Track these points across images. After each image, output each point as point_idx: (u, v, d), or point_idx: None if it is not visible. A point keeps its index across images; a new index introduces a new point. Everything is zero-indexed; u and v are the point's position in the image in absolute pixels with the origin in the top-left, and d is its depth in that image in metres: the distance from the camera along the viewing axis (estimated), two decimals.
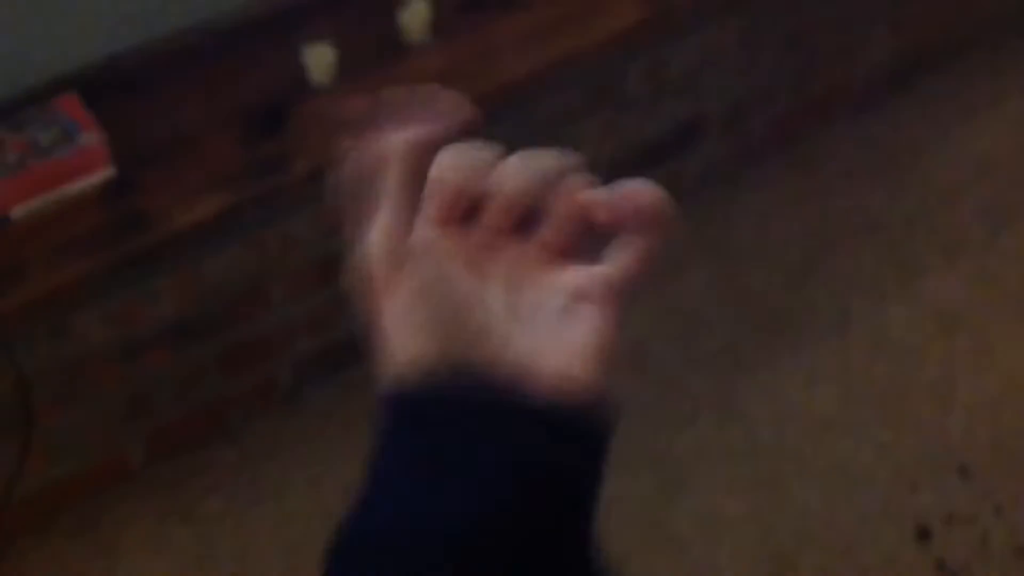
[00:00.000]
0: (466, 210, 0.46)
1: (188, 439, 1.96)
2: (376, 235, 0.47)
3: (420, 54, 1.85)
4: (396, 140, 0.49)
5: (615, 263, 0.46)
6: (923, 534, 2.01)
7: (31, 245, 1.58)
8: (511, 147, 0.47)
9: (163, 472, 2.02)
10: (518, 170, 0.46)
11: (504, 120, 1.95)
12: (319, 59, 1.75)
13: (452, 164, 0.46)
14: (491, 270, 0.46)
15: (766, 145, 2.43)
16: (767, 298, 2.32)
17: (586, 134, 2.10)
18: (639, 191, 0.46)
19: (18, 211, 1.58)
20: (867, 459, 2.11)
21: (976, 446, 2.11)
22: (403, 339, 0.45)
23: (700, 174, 2.37)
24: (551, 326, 0.45)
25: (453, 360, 0.44)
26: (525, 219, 0.47)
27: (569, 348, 0.45)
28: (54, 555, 1.95)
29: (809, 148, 2.50)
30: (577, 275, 0.46)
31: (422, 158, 0.47)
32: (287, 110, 1.75)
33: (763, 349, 2.25)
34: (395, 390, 0.45)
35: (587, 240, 0.47)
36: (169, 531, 1.99)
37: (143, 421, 1.91)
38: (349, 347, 1.78)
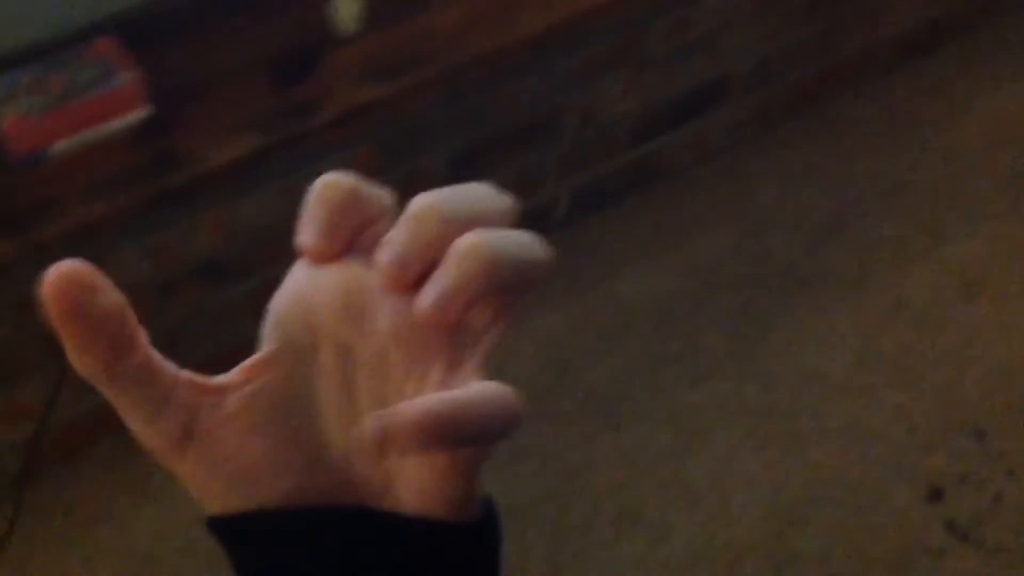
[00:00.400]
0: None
1: None
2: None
3: (444, 4, 1.89)
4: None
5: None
6: (935, 495, 2.04)
7: (69, 180, 1.63)
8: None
9: None
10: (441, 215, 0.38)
11: (525, 73, 1.99)
12: (346, 8, 1.80)
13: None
14: (357, 379, 0.40)
15: (791, 107, 2.46)
16: (788, 258, 2.34)
17: (608, 90, 2.13)
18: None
19: (57, 147, 1.63)
20: (882, 420, 2.14)
21: (992, 409, 2.13)
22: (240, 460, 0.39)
23: (725, 134, 2.39)
24: (397, 461, 0.39)
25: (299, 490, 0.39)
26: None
27: (411, 490, 0.39)
28: (84, 486, 2.02)
29: (834, 112, 2.52)
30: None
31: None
32: (316, 57, 1.79)
33: (782, 308, 2.28)
34: (237, 522, 0.40)
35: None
36: None
37: (178, 358, 1.96)
38: None
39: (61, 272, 0.35)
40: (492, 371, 0.39)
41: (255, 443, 0.39)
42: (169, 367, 0.39)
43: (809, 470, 2.08)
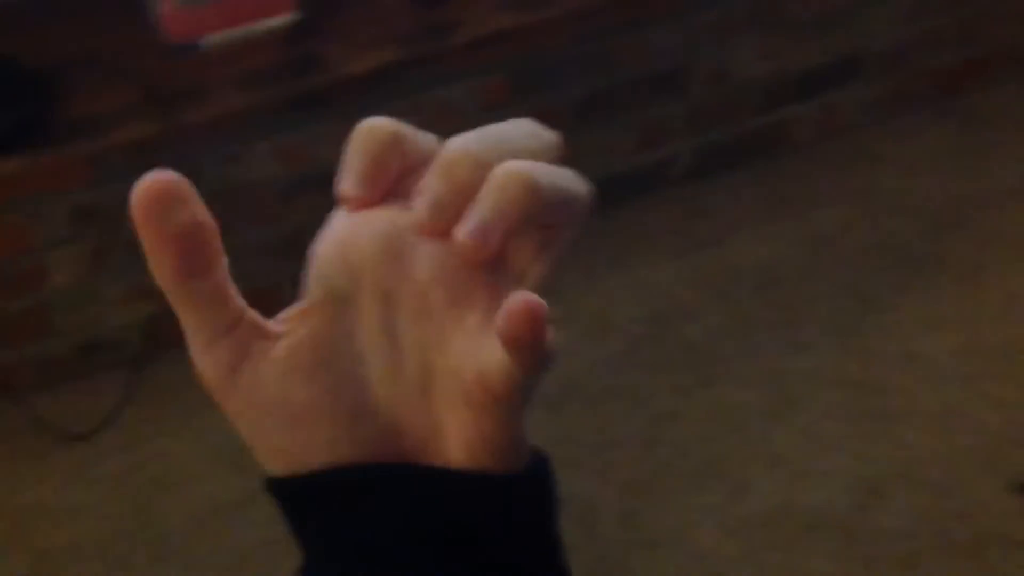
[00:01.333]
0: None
1: None
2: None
3: None
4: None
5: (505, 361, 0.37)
6: (1020, 488, 2.02)
7: (216, 72, 1.74)
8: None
9: None
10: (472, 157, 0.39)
11: (661, 22, 2.03)
12: None
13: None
14: (399, 325, 0.40)
15: (926, 93, 2.44)
16: (904, 242, 2.34)
17: (741, 52, 2.16)
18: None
19: (209, 39, 1.74)
20: (977, 410, 2.13)
21: None
22: (284, 415, 0.40)
23: (855, 112, 2.40)
24: (444, 405, 0.40)
25: (346, 444, 0.40)
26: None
27: (458, 438, 0.39)
28: (191, 373, 2.14)
29: (970, 104, 2.50)
30: (470, 360, 0.38)
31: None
32: None
33: (892, 289, 2.28)
34: (294, 482, 0.40)
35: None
36: None
37: (296, 261, 2.07)
38: None
39: (154, 179, 0.37)
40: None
41: (298, 389, 0.39)
42: (238, 302, 0.40)
43: (897, 448, 2.08)
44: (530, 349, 0.35)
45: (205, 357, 0.40)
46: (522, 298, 0.35)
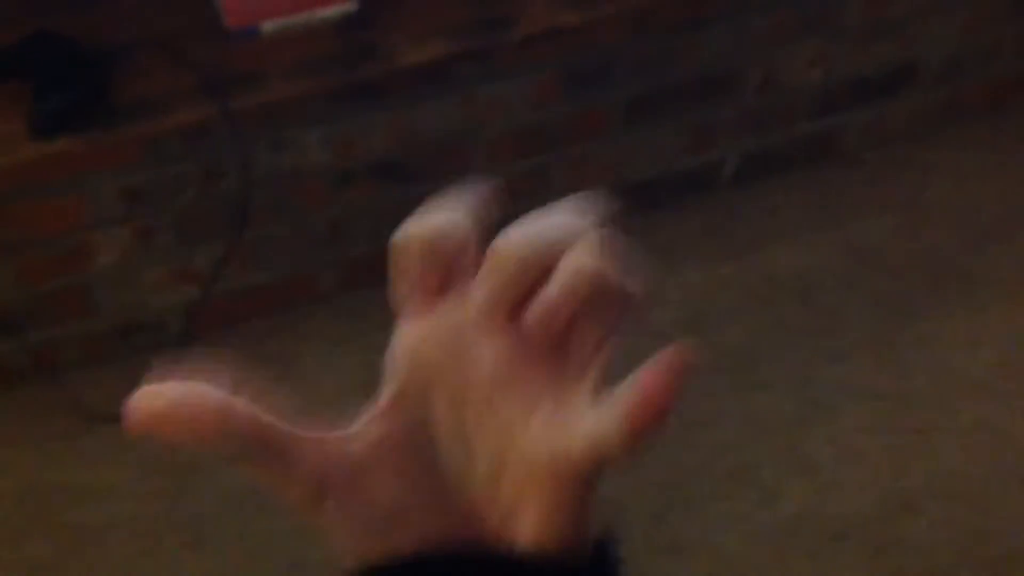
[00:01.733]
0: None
1: (373, 276, 2.11)
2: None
3: None
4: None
5: (591, 441, 0.38)
6: None
7: (273, 58, 1.75)
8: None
9: (346, 302, 2.19)
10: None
11: (717, 24, 2.03)
12: None
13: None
14: (468, 421, 0.42)
15: (978, 107, 2.43)
16: (947, 254, 2.33)
17: (794, 58, 2.15)
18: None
19: (268, 25, 1.75)
20: (1015, 428, 2.12)
21: None
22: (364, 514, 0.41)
23: (906, 122, 2.38)
24: (515, 493, 0.41)
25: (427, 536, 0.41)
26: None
27: (528, 525, 0.40)
28: (235, 352, 2.15)
29: (1021, 120, 2.48)
30: (540, 448, 0.40)
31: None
32: None
33: (932, 301, 2.27)
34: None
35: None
36: (341, 356, 2.16)
37: (339, 249, 2.08)
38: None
39: (140, 407, 0.38)
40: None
41: (386, 488, 0.41)
42: (288, 432, 0.41)
43: (931, 462, 2.08)
44: (652, 428, 0.37)
45: (288, 490, 0.41)
46: (657, 373, 0.37)
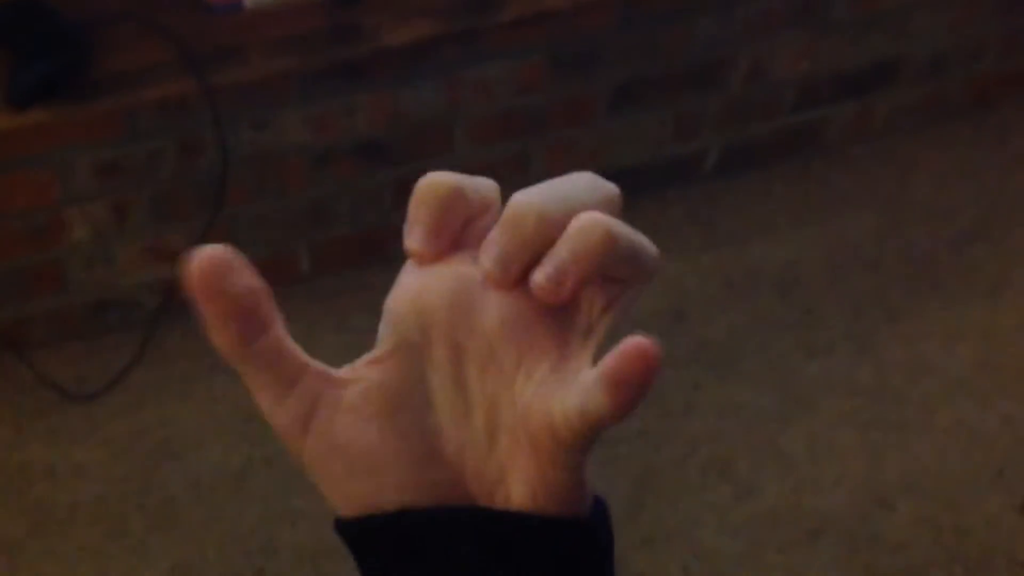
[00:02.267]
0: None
1: (351, 258, 2.10)
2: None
3: None
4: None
5: (577, 408, 0.38)
6: None
7: (256, 34, 1.72)
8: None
9: (324, 284, 2.17)
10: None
11: (704, 13, 2.01)
12: None
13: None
14: (468, 375, 0.41)
15: (962, 104, 2.43)
16: (927, 252, 2.33)
17: (782, 48, 2.14)
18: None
19: (251, 0, 1.72)
20: (991, 426, 2.12)
21: None
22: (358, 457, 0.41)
23: (889, 117, 2.38)
24: (510, 451, 0.41)
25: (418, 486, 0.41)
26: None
27: (522, 484, 0.41)
28: (202, 339, 2.12)
29: (1004, 118, 2.48)
30: (538, 408, 0.39)
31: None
32: None
33: (912, 299, 2.27)
34: (365, 523, 0.42)
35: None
36: (319, 337, 2.14)
37: (317, 230, 2.06)
38: None
39: (205, 254, 0.38)
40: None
41: (370, 434, 0.41)
42: (299, 355, 0.41)
43: (907, 459, 2.08)
44: (635, 392, 0.37)
45: (277, 411, 0.41)
46: (638, 341, 0.36)
